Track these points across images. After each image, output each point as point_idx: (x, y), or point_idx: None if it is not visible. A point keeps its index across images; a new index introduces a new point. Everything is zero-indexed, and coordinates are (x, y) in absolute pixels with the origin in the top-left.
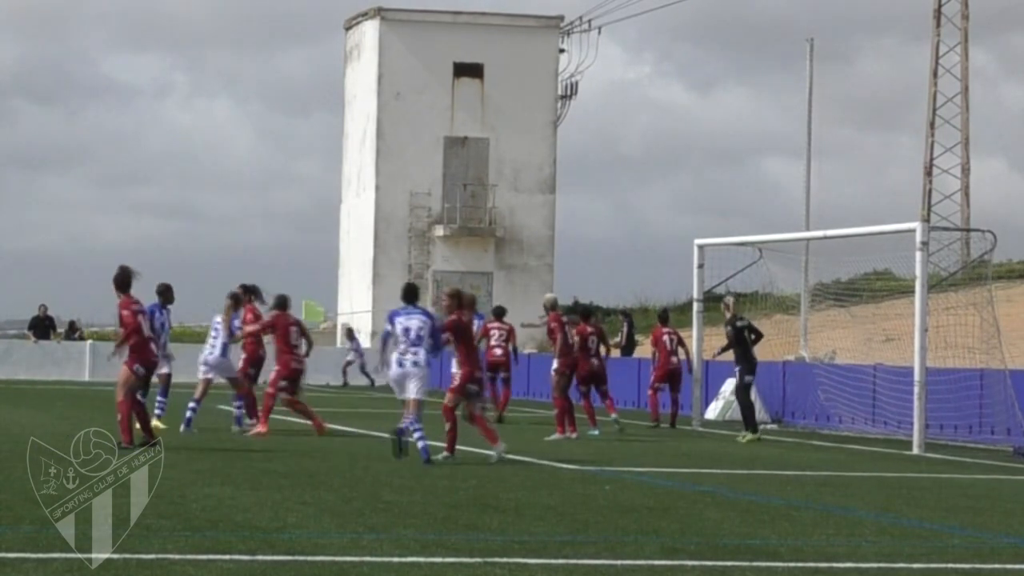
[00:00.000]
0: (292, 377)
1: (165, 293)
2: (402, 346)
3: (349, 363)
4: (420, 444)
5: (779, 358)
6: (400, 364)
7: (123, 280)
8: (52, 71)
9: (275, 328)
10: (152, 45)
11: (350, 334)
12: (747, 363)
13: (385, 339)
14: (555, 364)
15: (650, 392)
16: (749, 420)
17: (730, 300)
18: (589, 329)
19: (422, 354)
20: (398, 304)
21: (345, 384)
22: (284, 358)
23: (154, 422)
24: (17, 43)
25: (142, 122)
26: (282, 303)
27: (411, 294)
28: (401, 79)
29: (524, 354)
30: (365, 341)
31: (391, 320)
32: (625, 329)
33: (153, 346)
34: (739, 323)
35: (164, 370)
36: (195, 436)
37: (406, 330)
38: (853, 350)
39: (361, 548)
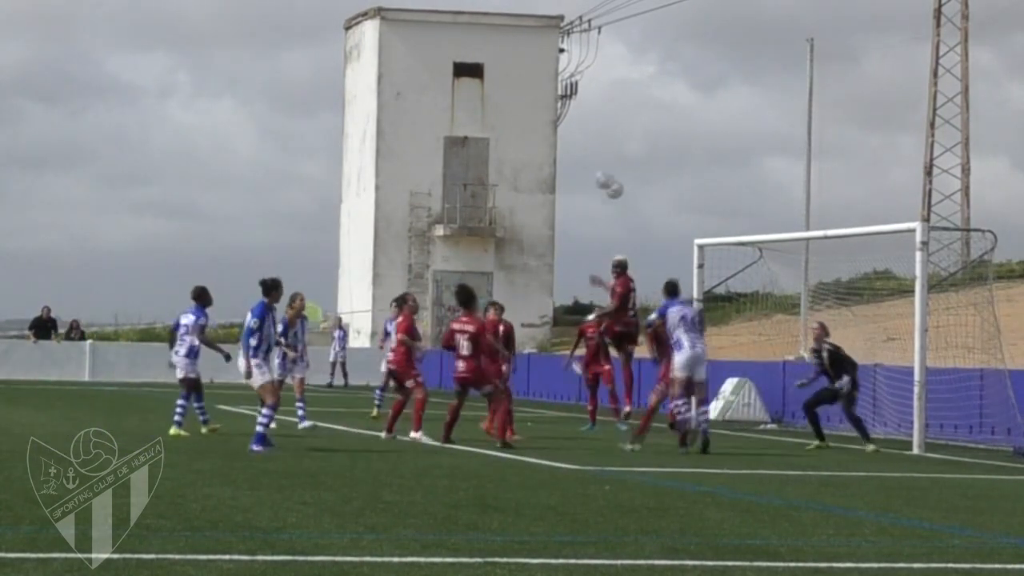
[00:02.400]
0: None
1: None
2: (690, 332)
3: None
4: (699, 418)
5: (779, 358)
6: (693, 346)
7: (460, 297)
8: (55, 71)
9: None
10: (155, 45)
11: (340, 324)
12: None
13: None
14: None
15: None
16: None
17: (823, 327)
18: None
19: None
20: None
21: (346, 385)
22: None
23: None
24: (20, 42)
25: (145, 122)
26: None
27: (673, 289)
28: (401, 79)
29: (524, 353)
30: (364, 341)
31: (663, 313)
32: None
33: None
34: (827, 347)
35: (179, 374)
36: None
37: (683, 318)
38: (853, 350)
39: (361, 548)
